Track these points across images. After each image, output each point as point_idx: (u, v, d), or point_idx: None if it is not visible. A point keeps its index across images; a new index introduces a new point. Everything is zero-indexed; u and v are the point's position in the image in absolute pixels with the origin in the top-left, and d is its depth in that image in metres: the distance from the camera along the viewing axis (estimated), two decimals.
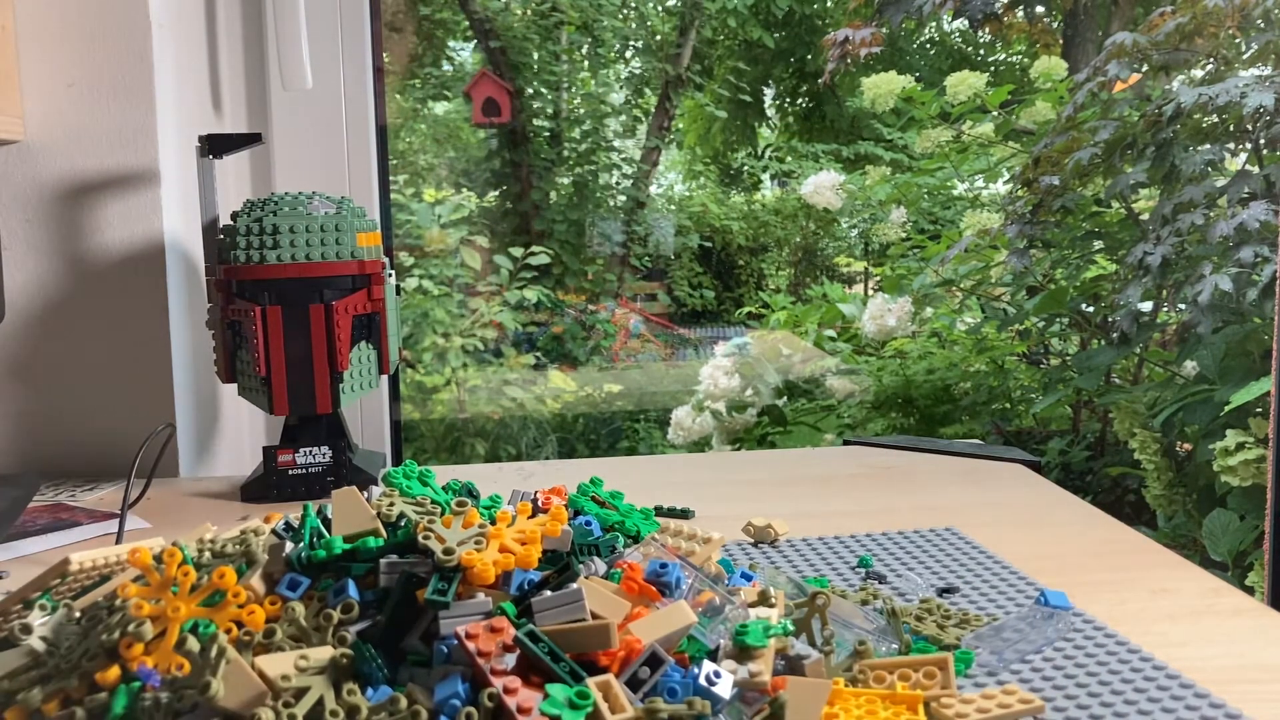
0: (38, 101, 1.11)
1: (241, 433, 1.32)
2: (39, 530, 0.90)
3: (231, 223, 1.02)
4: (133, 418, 1.12)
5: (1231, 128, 1.88)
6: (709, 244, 4.57)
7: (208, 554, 0.56)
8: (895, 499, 0.95)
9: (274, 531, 0.57)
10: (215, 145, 1.07)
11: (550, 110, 4.36)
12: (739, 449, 2.66)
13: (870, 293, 3.83)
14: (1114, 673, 0.58)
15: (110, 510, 0.96)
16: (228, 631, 0.49)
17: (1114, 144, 1.91)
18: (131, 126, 1.11)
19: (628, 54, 4.62)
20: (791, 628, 0.54)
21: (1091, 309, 2.27)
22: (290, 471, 1.00)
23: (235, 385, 1.04)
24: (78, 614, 0.53)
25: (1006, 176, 2.60)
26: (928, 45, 4.74)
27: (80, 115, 1.11)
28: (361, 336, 1.03)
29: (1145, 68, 1.93)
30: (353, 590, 0.52)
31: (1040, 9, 4.24)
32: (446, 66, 4.36)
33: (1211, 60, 1.97)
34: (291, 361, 0.99)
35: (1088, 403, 2.47)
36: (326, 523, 0.59)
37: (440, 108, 4.42)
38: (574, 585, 0.50)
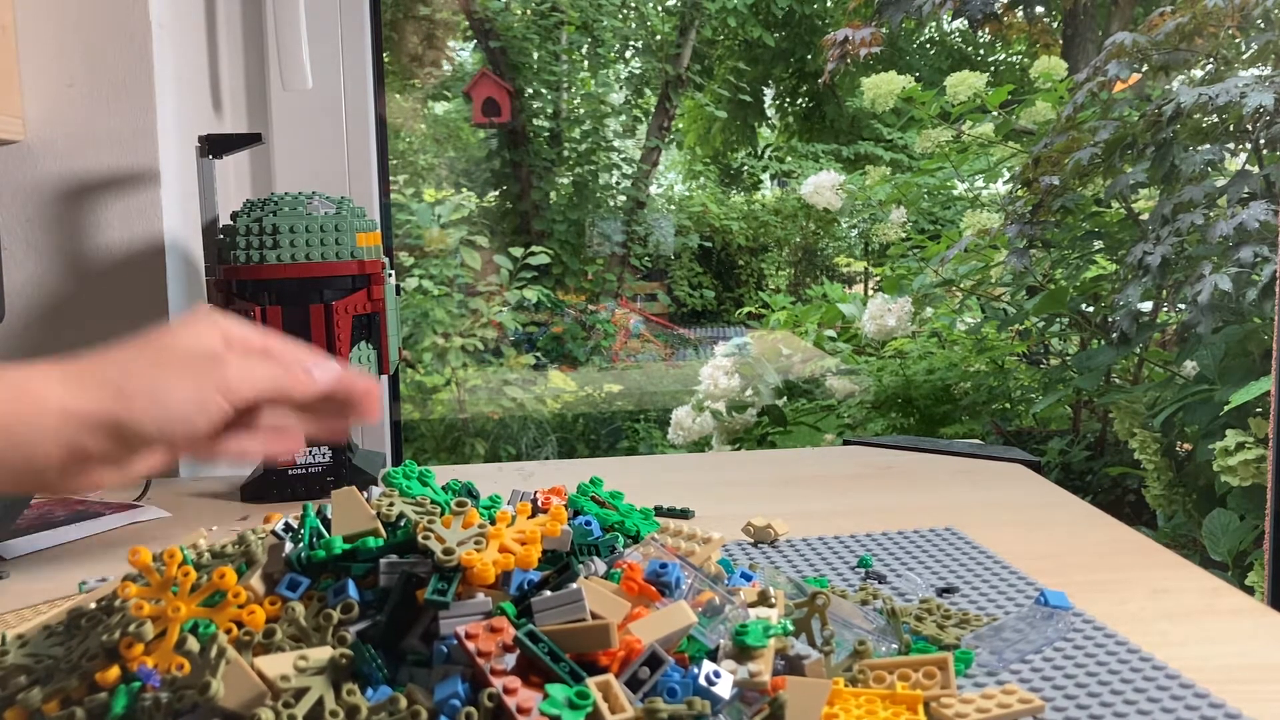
0: (38, 101, 1.11)
1: None
2: (63, 521, 0.91)
3: (231, 223, 1.02)
4: None
5: (1231, 128, 1.88)
6: (709, 244, 4.57)
7: (207, 555, 0.56)
8: (895, 499, 0.95)
9: (274, 531, 0.57)
10: (215, 145, 1.07)
11: (550, 110, 4.36)
12: (739, 449, 2.66)
13: (870, 293, 3.83)
14: (1114, 673, 0.58)
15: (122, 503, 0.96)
16: (228, 632, 0.49)
17: (1114, 144, 1.91)
18: (131, 126, 1.11)
19: (628, 54, 4.62)
20: (791, 628, 0.54)
21: (1091, 309, 2.27)
22: (290, 471, 1.00)
23: None
24: (61, 625, 0.53)
25: (1006, 176, 2.60)
26: (928, 45, 4.75)
27: (80, 115, 1.11)
28: (361, 336, 1.03)
29: (1145, 68, 1.93)
30: (353, 590, 0.52)
31: (1040, 9, 4.24)
32: (446, 67, 4.36)
33: (1211, 60, 1.97)
34: None
35: (1088, 403, 2.47)
36: (326, 523, 0.59)
37: (440, 108, 4.42)
38: (574, 585, 0.50)
